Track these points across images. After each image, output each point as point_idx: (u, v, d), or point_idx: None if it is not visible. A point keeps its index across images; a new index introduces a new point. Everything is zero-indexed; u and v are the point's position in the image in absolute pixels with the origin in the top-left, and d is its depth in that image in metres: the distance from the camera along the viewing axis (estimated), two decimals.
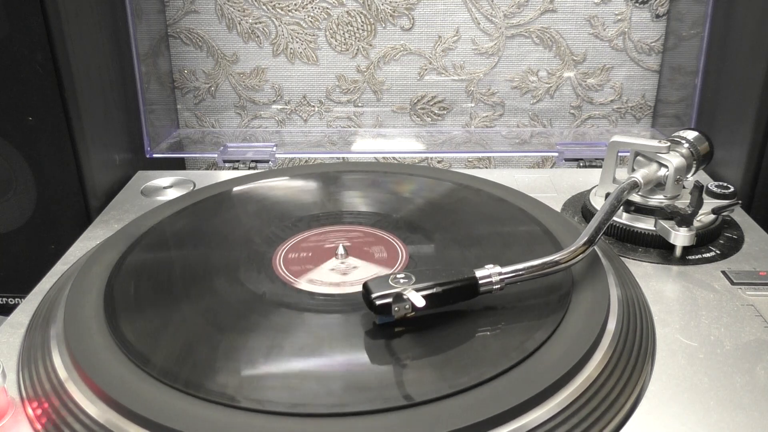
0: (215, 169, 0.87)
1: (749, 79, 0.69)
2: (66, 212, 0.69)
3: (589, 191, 0.67)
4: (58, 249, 0.68)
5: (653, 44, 0.90)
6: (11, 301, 0.72)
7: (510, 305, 0.46)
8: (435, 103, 0.94)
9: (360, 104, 0.94)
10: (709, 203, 0.59)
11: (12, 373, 0.44)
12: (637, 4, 0.88)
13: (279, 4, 0.88)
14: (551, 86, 0.92)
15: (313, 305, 0.47)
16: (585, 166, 0.81)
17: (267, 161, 0.83)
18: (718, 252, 0.58)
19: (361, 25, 0.89)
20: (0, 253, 0.71)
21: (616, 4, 0.88)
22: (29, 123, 0.66)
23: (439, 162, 0.98)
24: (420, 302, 0.42)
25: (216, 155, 0.84)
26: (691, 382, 0.43)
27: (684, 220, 0.55)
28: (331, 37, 0.90)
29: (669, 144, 0.60)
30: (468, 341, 0.43)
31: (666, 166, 0.59)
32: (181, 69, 0.92)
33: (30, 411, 0.40)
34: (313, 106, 0.94)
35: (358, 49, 0.91)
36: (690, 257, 0.57)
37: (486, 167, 0.98)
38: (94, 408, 0.39)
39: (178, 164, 0.97)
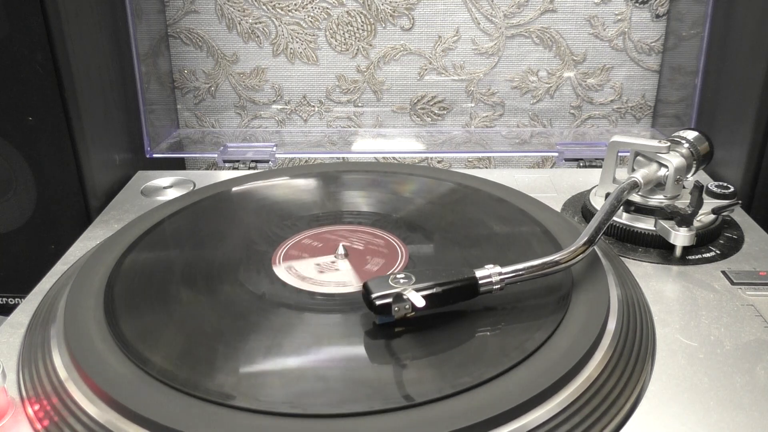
0: (215, 169, 0.87)
1: (749, 79, 0.69)
2: (66, 212, 0.69)
3: (589, 191, 0.67)
4: (58, 249, 0.68)
5: (653, 44, 0.90)
6: (11, 301, 0.72)
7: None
8: (435, 103, 0.94)
9: (360, 104, 0.94)
10: (709, 203, 0.59)
11: (12, 373, 0.44)
12: (637, 4, 0.88)
13: (279, 4, 0.88)
14: (551, 86, 0.92)
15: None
16: (585, 166, 0.81)
17: (267, 161, 0.83)
18: (718, 252, 0.58)
19: (361, 25, 0.89)
20: (0, 253, 0.71)
21: (616, 4, 0.88)
22: (29, 123, 0.66)
23: (439, 162, 0.98)
24: (420, 302, 0.42)
25: (216, 155, 0.84)
26: (691, 382, 0.43)
27: (684, 220, 0.55)
28: (331, 37, 0.90)
29: (669, 144, 0.60)
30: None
31: (666, 166, 0.59)
32: (181, 69, 0.92)
33: (30, 411, 0.40)
34: (313, 106, 0.94)
35: (358, 49, 0.91)
36: (690, 257, 0.57)
37: (486, 167, 0.98)
38: (94, 408, 0.39)
39: (178, 164, 0.97)
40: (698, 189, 0.58)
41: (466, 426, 0.36)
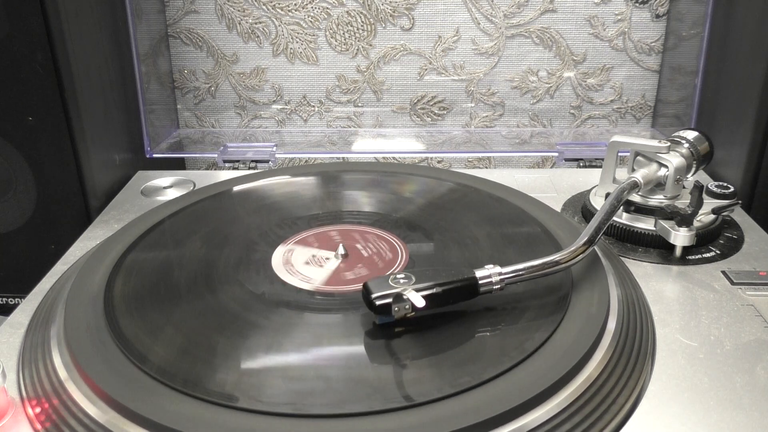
0: (215, 169, 0.87)
1: (749, 79, 0.69)
2: (66, 212, 0.69)
3: (589, 191, 0.67)
4: (58, 249, 0.68)
5: (653, 44, 0.90)
6: (11, 301, 0.72)
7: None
8: (435, 103, 0.94)
9: (360, 104, 0.94)
10: (709, 203, 0.59)
11: (12, 373, 0.44)
12: (637, 4, 0.88)
13: (279, 4, 0.88)
14: (551, 86, 0.92)
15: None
16: (585, 166, 0.81)
17: (267, 161, 0.83)
18: (718, 252, 0.58)
19: (361, 25, 0.89)
20: (0, 253, 0.71)
21: (616, 4, 0.88)
22: (29, 123, 0.66)
23: (439, 162, 0.98)
24: (420, 302, 0.42)
25: (216, 155, 0.84)
26: (691, 382, 0.43)
27: (684, 220, 0.55)
28: (331, 37, 0.90)
29: (669, 144, 0.60)
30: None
31: (666, 166, 0.59)
32: (181, 69, 0.92)
33: (30, 411, 0.40)
34: (313, 106, 0.94)
35: (358, 49, 0.91)
36: (690, 257, 0.57)
37: (486, 167, 0.98)
38: (94, 408, 0.39)
39: (178, 164, 0.97)
40: (698, 189, 0.58)
41: (466, 426, 0.36)
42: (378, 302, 0.43)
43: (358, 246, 0.55)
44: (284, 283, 0.50)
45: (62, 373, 0.42)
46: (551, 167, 0.95)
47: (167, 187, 0.74)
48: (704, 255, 0.57)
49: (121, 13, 0.77)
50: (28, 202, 0.69)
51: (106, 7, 0.74)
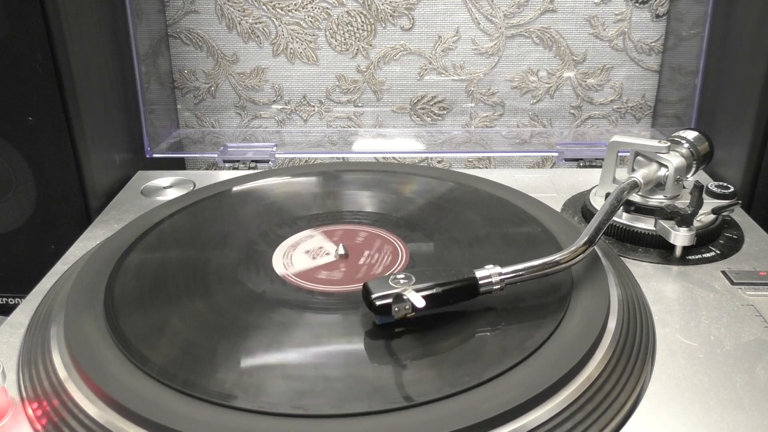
0: (215, 169, 0.87)
1: (749, 79, 0.69)
2: (66, 212, 0.69)
3: (589, 191, 0.67)
4: (58, 249, 0.68)
5: (653, 44, 0.90)
6: (11, 301, 0.72)
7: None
8: (435, 103, 0.94)
9: (360, 104, 0.94)
10: (709, 203, 0.59)
11: (12, 373, 0.44)
12: (637, 4, 0.88)
13: (279, 4, 0.88)
14: (551, 86, 0.92)
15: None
16: (585, 166, 0.81)
17: (267, 161, 0.83)
18: (718, 252, 0.58)
19: (361, 25, 0.89)
20: (0, 253, 0.71)
21: (616, 4, 0.88)
22: (29, 123, 0.66)
23: (439, 162, 0.98)
24: (420, 303, 0.42)
25: (216, 155, 0.84)
26: (691, 382, 0.43)
27: (684, 220, 0.55)
28: (331, 37, 0.90)
29: (669, 144, 0.60)
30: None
31: (666, 166, 0.59)
32: (181, 69, 0.92)
33: (30, 411, 0.40)
34: (313, 106, 0.94)
35: (358, 49, 0.91)
36: (690, 257, 0.57)
37: (486, 167, 0.98)
38: (94, 408, 0.39)
39: (178, 164, 0.97)
40: (698, 189, 0.58)
41: (465, 426, 0.36)
42: (378, 302, 0.43)
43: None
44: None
45: (62, 373, 0.42)
46: (551, 167, 0.95)
47: (167, 187, 0.74)
48: (704, 255, 0.57)
49: (121, 13, 0.77)
50: (28, 202, 0.69)
51: (106, 7, 0.74)
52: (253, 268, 0.52)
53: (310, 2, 0.88)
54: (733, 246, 0.59)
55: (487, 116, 0.94)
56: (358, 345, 0.43)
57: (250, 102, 0.94)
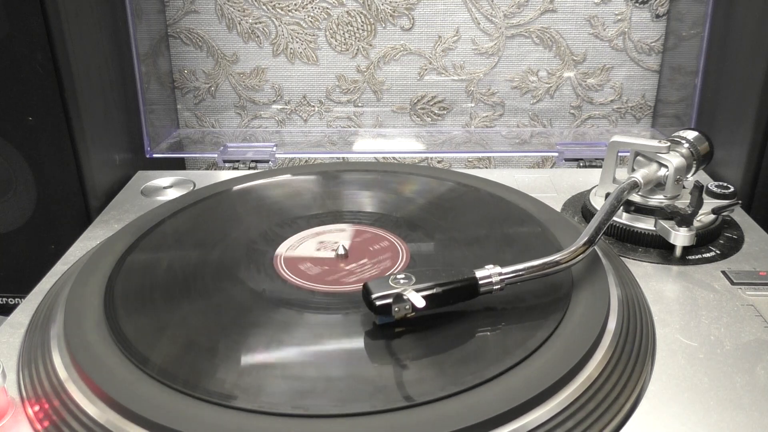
0: (215, 169, 0.87)
1: (749, 79, 0.69)
2: (66, 212, 0.69)
3: (589, 191, 0.67)
4: (58, 249, 0.68)
5: (653, 44, 0.90)
6: (11, 301, 0.72)
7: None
8: (435, 103, 0.94)
9: (360, 104, 0.94)
10: (709, 203, 0.59)
11: (12, 373, 0.44)
12: (637, 4, 0.88)
13: (279, 4, 0.88)
14: (551, 86, 0.92)
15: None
16: (585, 166, 0.81)
17: (267, 161, 0.83)
18: (718, 252, 0.58)
19: (361, 25, 0.89)
20: (0, 253, 0.71)
21: (616, 4, 0.88)
22: (29, 123, 0.66)
23: (439, 162, 0.98)
24: (420, 303, 0.42)
25: (216, 155, 0.84)
26: (691, 382, 0.43)
27: (684, 220, 0.55)
28: (331, 37, 0.90)
29: (669, 144, 0.60)
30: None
31: (666, 166, 0.59)
32: (181, 69, 0.92)
33: (30, 411, 0.40)
34: (313, 106, 0.94)
35: (358, 49, 0.91)
36: (690, 257, 0.57)
37: (486, 167, 0.98)
38: (94, 408, 0.39)
39: (178, 164, 0.97)
40: (698, 189, 0.58)
41: (465, 426, 0.36)
42: (378, 302, 0.43)
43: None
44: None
45: (62, 373, 0.42)
46: (551, 167, 0.95)
47: (167, 187, 0.74)
48: (704, 255, 0.57)
49: (121, 13, 0.77)
50: (28, 202, 0.69)
51: (106, 7, 0.74)
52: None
53: (310, 2, 0.88)
54: (733, 246, 0.59)
55: (487, 116, 0.94)
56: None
57: (250, 102, 0.94)
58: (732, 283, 0.53)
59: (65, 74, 0.65)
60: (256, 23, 0.90)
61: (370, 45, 0.90)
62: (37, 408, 0.40)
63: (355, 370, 0.41)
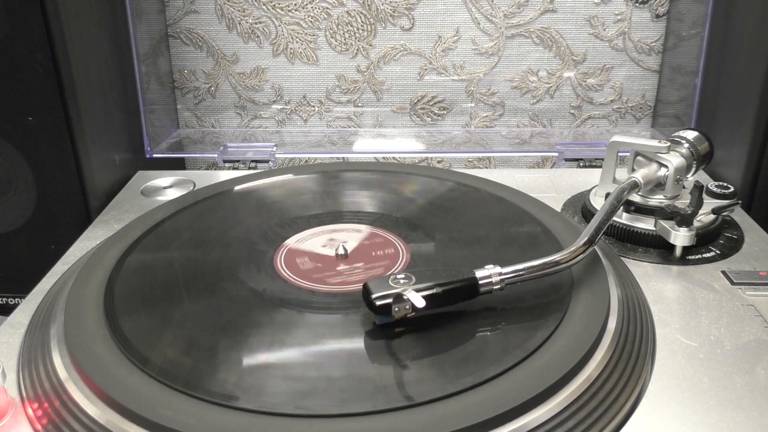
0: (215, 169, 0.87)
1: (749, 79, 0.69)
2: (66, 212, 0.69)
3: (589, 191, 0.67)
4: (58, 249, 0.68)
5: (653, 44, 0.90)
6: (11, 301, 0.72)
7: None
8: (435, 103, 0.94)
9: (360, 104, 0.94)
10: (709, 203, 0.59)
11: (12, 373, 0.44)
12: (637, 4, 0.88)
13: (279, 4, 0.88)
14: (551, 86, 0.92)
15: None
16: (585, 166, 0.81)
17: (267, 161, 0.83)
18: (718, 252, 0.58)
19: (361, 25, 0.89)
20: (0, 253, 0.71)
21: (616, 4, 0.88)
22: (29, 123, 0.66)
23: (439, 162, 0.98)
24: (420, 303, 0.42)
25: (216, 155, 0.84)
26: (691, 382, 0.43)
27: (684, 220, 0.55)
28: (331, 37, 0.90)
29: (669, 144, 0.60)
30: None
31: (666, 166, 0.59)
32: (181, 69, 0.92)
33: (30, 411, 0.40)
34: (313, 106, 0.94)
35: (358, 49, 0.91)
36: (690, 257, 0.57)
37: (486, 167, 0.98)
38: (94, 408, 0.39)
39: (178, 164, 0.97)
40: (698, 189, 0.58)
41: (466, 426, 0.36)
42: (378, 302, 0.43)
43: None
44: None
45: (62, 373, 0.41)
46: (551, 167, 0.95)
47: (167, 187, 0.74)
48: (704, 255, 0.57)
49: (121, 13, 0.77)
50: (28, 202, 0.69)
51: (106, 7, 0.74)
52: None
53: (310, 2, 0.88)
54: (733, 246, 0.59)
55: (487, 116, 0.94)
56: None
57: (250, 102, 0.94)
58: (732, 283, 0.53)
59: (65, 74, 0.65)
60: (256, 23, 0.90)
61: (370, 45, 0.90)
62: (37, 408, 0.40)
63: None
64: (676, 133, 0.63)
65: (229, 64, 0.92)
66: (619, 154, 0.63)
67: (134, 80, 0.80)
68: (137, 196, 0.72)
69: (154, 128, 0.86)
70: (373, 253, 0.54)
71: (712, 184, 0.62)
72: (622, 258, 0.57)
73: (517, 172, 0.77)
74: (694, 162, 0.61)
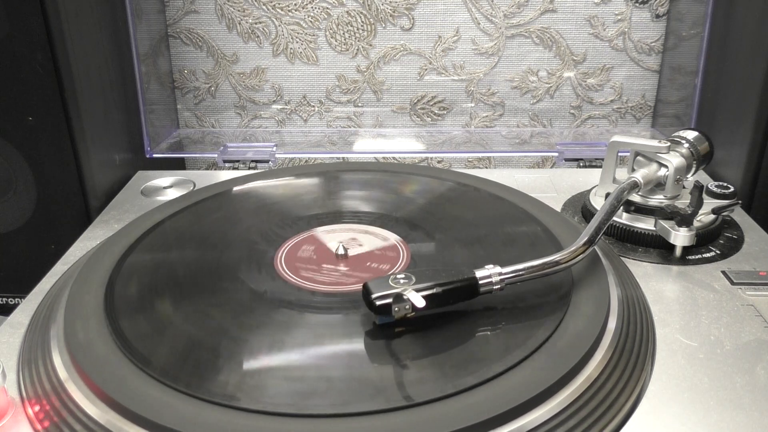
0: (215, 169, 0.87)
1: (749, 79, 0.69)
2: (66, 212, 0.69)
3: (589, 191, 0.67)
4: (58, 249, 0.68)
5: (653, 44, 0.90)
6: (11, 301, 0.72)
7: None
8: (435, 103, 0.94)
9: (360, 104, 0.94)
10: (709, 203, 0.59)
11: (12, 373, 0.44)
12: (637, 4, 0.88)
13: (279, 4, 0.88)
14: (551, 86, 0.92)
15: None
16: (585, 166, 0.81)
17: (267, 161, 0.83)
18: (718, 252, 0.58)
19: (361, 25, 0.89)
20: (0, 253, 0.71)
21: (616, 4, 0.88)
22: (29, 123, 0.66)
23: (439, 162, 0.98)
24: (420, 302, 0.42)
25: (216, 155, 0.84)
26: (691, 382, 0.43)
27: (684, 220, 0.55)
28: (331, 37, 0.90)
29: (669, 144, 0.60)
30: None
31: (666, 166, 0.59)
32: (181, 69, 0.92)
33: (30, 411, 0.40)
34: (313, 106, 0.94)
35: (358, 49, 0.91)
36: (690, 257, 0.57)
37: (486, 167, 0.98)
38: (94, 408, 0.39)
39: (178, 164, 0.97)
40: (698, 189, 0.58)
41: (466, 426, 0.36)
42: (378, 302, 0.43)
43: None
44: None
45: (62, 373, 0.42)
46: (551, 167, 0.95)
47: (167, 187, 0.74)
48: (704, 255, 0.57)
49: (121, 13, 0.77)
50: (28, 202, 0.69)
51: (106, 7, 0.74)
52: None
53: (310, 2, 0.88)
54: (733, 246, 0.59)
55: (487, 116, 0.94)
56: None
57: (250, 102, 0.94)
58: (732, 283, 0.53)
59: (65, 74, 0.65)
60: (256, 23, 0.90)
61: (370, 45, 0.90)
62: (37, 408, 0.40)
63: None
64: (676, 133, 0.63)
65: (229, 64, 0.92)
66: (619, 154, 0.63)
67: (134, 80, 0.80)
68: (137, 196, 0.72)
69: (154, 128, 0.86)
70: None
71: (712, 184, 0.62)
72: (622, 258, 0.57)
73: (517, 172, 0.77)
74: (694, 162, 0.61)
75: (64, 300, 0.48)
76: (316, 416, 0.37)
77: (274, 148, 0.86)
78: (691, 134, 0.62)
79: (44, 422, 0.39)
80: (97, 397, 0.39)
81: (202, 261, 0.53)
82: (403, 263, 0.53)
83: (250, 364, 0.41)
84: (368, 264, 0.53)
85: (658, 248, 0.58)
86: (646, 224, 0.59)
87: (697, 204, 0.57)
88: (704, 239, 0.58)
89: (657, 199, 0.60)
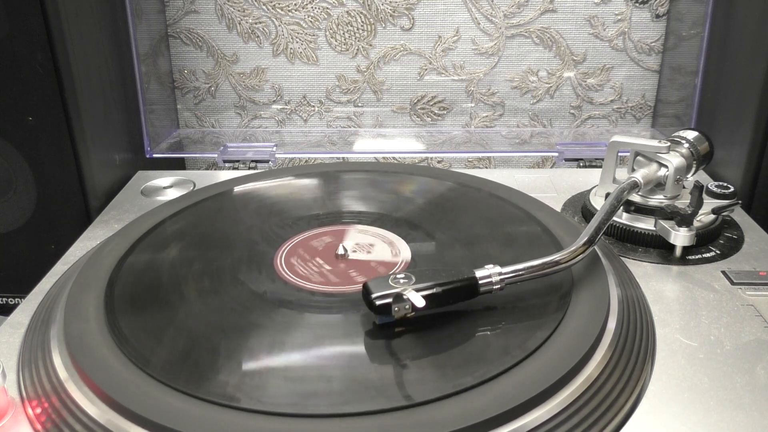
0: (215, 169, 0.87)
1: (749, 79, 0.69)
2: (66, 212, 0.69)
3: (589, 191, 0.67)
4: (58, 249, 0.68)
5: (653, 44, 0.90)
6: (11, 301, 0.72)
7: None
8: (435, 103, 0.94)
9: (360, 104, 0.94)
10: (709, 203, 0.59)
11: (12, 373, 0.44)
12: (637, 4, 0.88)
13: (279, 4, 0.88)
14: (551, 86, 0.92)
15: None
16: (585, 166, 0.81)
17: (267, 161, 0.83)
18: (718, 252, 0.58)
19: (361, 25, 0.89)
20: (0, 253, 0.71)
21: (616, 4, 0.88)
22: (29, 123, 0.66)
23: (439, 162, 0.98)
24: (420, 302, 0.42)
25: (216, 155, 0.84)
26: (691, 382, 0.43)
27: (684, 220, 0.55)
28: (331, 37, 0.90)
29: (669, 144, 0.60)
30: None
31: (666, 166, 0.59)
32: (181, 69, 0.92)
33: (30, 411, 0.40)
34: (313, 106, 0.94)
35: (358, 49, 0.91)
36: (690, 257, 0.57)
37: (486, 167, 0.98)
38: (94, 408, 0.39)
39: (178, 164, 0.97)
40: (698, 189, 0.58)
41: (465, 426, 0.36)
42: (378, 302, 0.43)
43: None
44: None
45: (62, 373, 0.42)
46: (551, 167, 0.95)
47: (167, 187, 0.74)
48: (704, 255, 0.57)
49: (121, 13, 0.77)
50: (28, 202, 0.69)
51: (106, 7, 0.74)
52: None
53: (310, 2, 0.88)
54: (733, 246, 0.59)
55: (487, 116, 0.94)
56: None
57: (250, 102, 0.94)
58: (732, 283, 0.53)
59: (65, 74, 0.65)
60: (256, 23, 0.90)
61: (370, 45, 0.90)
62: (37, 408, 0.40)
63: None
64: (676, 133, 0.63)
65: (229, 64, 0.92)
66: (619, 154, 0.63)
67: (134, 80, 0.80)
68: (137, 196, 0.72)
69: (154, 128, 0.86)
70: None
71: (712, 184, 0.62)
72: (622, 258, 0.57)
73: (517, 172, 0.77)
74: (694, 162, 0.61)
75: (64, 300, 0.48)
76: (316, 416, 0.37)
77: (274, 148, 0.86)
78: (691, 134, 0.62)
79: (44, 422, 0.39)
80: (97, 397, 0.39)
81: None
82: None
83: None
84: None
85: (658, 248, 0.58)
86: (646, 224, 0.59)
87: (697, 204, 0.57)
88: (704, 239, 0.58)
89: (657, 199, 0.60)
